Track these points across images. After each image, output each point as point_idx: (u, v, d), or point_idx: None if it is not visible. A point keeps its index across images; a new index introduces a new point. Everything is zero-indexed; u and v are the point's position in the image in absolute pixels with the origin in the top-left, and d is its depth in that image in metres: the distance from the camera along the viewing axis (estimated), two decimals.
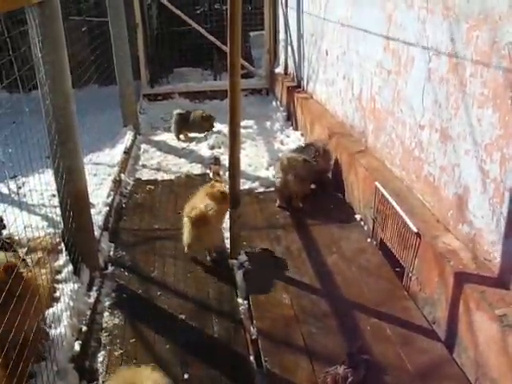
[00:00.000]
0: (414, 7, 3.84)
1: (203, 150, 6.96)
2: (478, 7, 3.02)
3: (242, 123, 6.66)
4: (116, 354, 3.32)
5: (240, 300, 3.82)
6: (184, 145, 7.18)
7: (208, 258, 4.34)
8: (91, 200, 4.23)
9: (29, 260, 3.42)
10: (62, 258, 3.92)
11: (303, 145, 5.80)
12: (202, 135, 7.34)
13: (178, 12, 8.99)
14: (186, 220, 4.17)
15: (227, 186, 4.21)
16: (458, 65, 3.26)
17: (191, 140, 7.37)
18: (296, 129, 7.41)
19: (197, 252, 4.34)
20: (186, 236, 4.20)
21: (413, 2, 3.86)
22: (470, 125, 3.15)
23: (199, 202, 4.22)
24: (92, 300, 3.72)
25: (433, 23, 3.58)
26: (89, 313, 3.57)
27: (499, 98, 2.86)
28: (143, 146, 7.19)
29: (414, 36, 3.87)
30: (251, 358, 3.26)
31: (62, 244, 4.00)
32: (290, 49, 8.23)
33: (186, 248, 4.28)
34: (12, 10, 3.09)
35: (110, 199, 5.15)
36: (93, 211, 4.28)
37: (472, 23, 3.09)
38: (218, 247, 4.40)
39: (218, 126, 7.48)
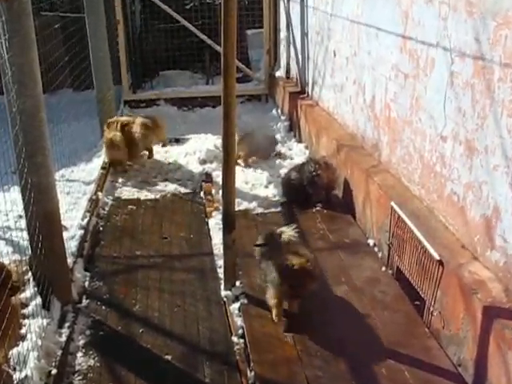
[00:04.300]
0: (434, 3, 3.89)
1: (193, 164, 6.93)
2: (506, 3, 3.06)
3: None
4: None
5: (235, 339, 3.81)
6: (171, 159, 7.19)
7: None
8: (63, 222, 4.23)
9: None
10: (30, 290, 3.91)
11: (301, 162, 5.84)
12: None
13: (165, 7, 9.06)
14: None
15: (220, 206, 4.22)
16: (485, 68, 3.30)
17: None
18: (299, 141, 7.45)
19: None
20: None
21: None
22: (500, 136, 3.17)
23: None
24: (63, 338, 3.70)
25: (455, 21, 3.63)
26: (59, 353, 3.54)
27: None
28: None
29: (434, 35, 3.92)
30: None
31: (30, 273, 3.99)
32: (292, 49, 8.31)
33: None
34: None
35: (86, 221, 5.15)
36: (65, 235, 4.28)
37: (500, 21, 3.13)
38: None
39: (209, 138, 7.49)
